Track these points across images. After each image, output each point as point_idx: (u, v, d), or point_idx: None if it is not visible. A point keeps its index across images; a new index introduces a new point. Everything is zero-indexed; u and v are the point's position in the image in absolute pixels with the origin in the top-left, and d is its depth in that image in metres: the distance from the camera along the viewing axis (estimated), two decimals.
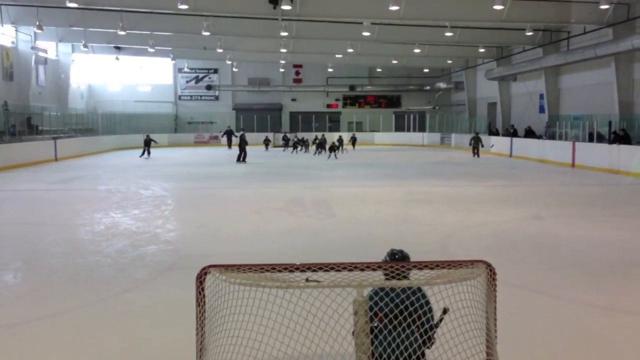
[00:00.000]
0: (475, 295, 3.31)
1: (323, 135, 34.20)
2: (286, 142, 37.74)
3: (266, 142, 38.45)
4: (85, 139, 34.51)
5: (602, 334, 5.56)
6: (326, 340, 3.39)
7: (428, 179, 20.16)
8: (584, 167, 23.28)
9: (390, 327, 3.42)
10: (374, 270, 3.32)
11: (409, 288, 3.50)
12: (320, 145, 32.27)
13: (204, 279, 3.30)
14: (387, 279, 3.25)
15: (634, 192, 17.28)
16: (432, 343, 3.62)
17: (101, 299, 6.72)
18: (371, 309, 3.47)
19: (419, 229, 10.87)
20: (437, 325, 3.67)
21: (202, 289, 3.30)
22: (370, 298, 3.52)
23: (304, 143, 35.46)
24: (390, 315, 3.41)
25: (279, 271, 3.27)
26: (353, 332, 3.47)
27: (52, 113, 32.51)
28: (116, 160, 29.51)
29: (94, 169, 24.19)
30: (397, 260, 5.01)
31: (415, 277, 3.17)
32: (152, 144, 31.42)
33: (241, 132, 29.38)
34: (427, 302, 3.60)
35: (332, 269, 3.27)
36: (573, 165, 24.31)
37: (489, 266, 3.43)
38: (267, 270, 3.28)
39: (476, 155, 30.35)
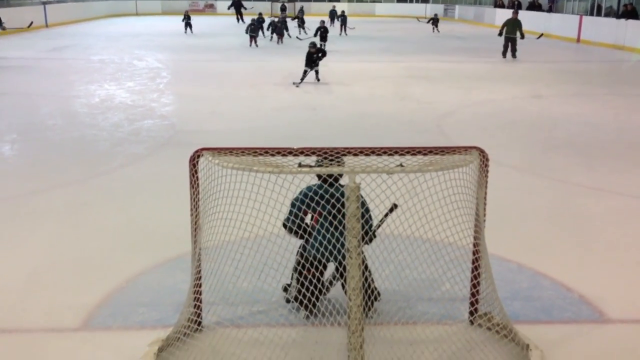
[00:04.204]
0: (467, 182, 3.33)
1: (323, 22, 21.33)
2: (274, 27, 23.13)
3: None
4: (76, 4, 33.22)
5: (589, 214, 5.68)
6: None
7: (428, 54, 19.70)
8: (589, 43, 22.69)
9: (326, 224, 3.43)
10: (367, 155, 3.31)
11: (342, 185, 3.34)
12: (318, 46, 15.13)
13: (197, 161, 3.30)
14: (319, 164, 3.18)
15: (637, 70, 16.99)
16: (371, 239, 3.56)
17: (98, 174, 6.78)
18: (308, 206, 3.45)
19: (416, 107, 10.79)
20: (382, 221, 3.60)
21: (196, 172, 3.31)
22: (305, 195, 3.46)
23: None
24: (324, 213, 3.40)
25: (272, 155, 3.27)
26: (284, 225, 3.55)
27: None
28: (109, 28, 28.63)
29: (86, 37, 23.52)
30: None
31: (408, 164, 3.15)
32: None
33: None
34: (360, 197, 3.35)
35: (326, 154, 3.27)
36: (578, 40, 23.68)
37: (482, 152, 3.42)
38: (260, 154, 3.27)
39: (512, 55, 18.17)
